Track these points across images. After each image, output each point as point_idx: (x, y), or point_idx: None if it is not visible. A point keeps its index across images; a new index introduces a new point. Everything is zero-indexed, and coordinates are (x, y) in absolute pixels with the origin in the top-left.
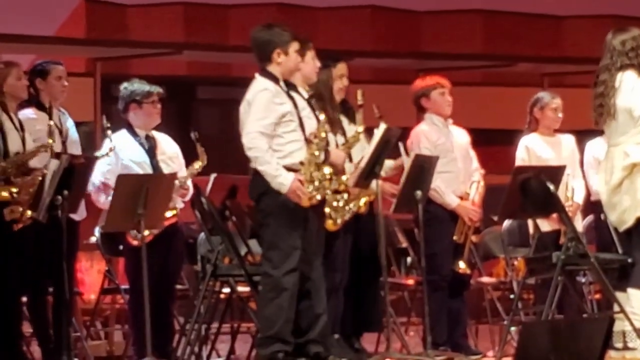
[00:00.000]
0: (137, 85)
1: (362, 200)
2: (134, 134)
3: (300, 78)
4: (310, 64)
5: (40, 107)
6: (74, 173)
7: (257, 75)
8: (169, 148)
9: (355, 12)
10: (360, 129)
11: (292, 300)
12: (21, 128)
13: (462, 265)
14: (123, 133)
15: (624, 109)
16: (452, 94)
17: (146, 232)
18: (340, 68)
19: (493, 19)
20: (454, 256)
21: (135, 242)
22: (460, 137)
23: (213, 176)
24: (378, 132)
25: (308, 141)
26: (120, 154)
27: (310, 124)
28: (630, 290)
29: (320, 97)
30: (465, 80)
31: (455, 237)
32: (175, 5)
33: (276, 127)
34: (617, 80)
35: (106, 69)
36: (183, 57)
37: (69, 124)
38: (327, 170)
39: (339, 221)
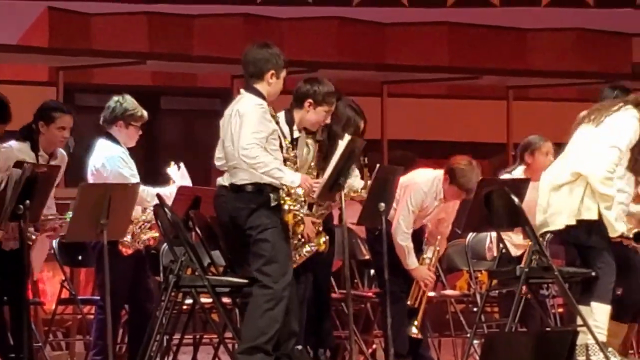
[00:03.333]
0: (130, 104)
1: (322, 239)
2: (120, 145)
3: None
4: (321, 115)
5: (33, 147)
6: (37, 182)
7: (243, 91)
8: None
9: (320, 24)
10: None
11: (283, 312)
12: None
13: (414, 330)
14: (112, 145)
15: (605, 126)
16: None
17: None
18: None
19: (458, 31)
20: (408, 319)
21: (129, 251)
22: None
23: (175, 187)
24: (342, 143)
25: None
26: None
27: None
28: (593, 304)
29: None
30: (430, 92)
31: (409, 302)
32: (140, 14)
33: (265, 141)
34: (620, 106)
35: (69, 78)
36: (147, 66)
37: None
38: (300, 191)
39: (296, 259)
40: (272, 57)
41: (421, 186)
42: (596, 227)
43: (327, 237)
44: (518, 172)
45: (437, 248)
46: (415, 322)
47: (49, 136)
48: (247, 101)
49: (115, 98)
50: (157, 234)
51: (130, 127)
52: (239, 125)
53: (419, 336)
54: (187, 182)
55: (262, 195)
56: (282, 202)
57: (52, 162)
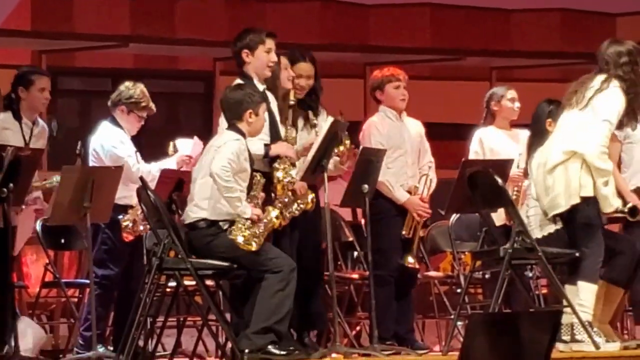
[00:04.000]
0: (139, 93)
1: (310, 197)
2: (123, 130)
3: (253, 72)
4: (262, 58)
5: (15, 115)
6: (20, 166)
7: (225, 129)
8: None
9: (303, 6)
10: (292, 129)
11: (293, 295)
12: None
13: (410, 260)
14: (113, 127)
15: (592, 108)
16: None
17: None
18: (300, 68)
19: (441, 12)
20: (402, 250)
21: (130, 237)
22: (414, 128)
23: (159, 170)
24: (325, 125)
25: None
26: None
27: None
28: (580, 283)
29: (270, 89)
30: (413, 74)
31: (403, 232)
32: None
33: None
34: (602, 82)
35: (52, 62)
36: (129, 49)
37: (42, 136)
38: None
39: (287, 216)
40: (246, 97)
41: (371, 120)
42: (593, 203)
43: (314, 195)
44: (490, 131)
45: (430, 177)
46: (410, 254)
47: (31, 100)
48: (225, 136)
49: (128, 83)
50: None
51: (132, 114)
52: (216, 154)
53: (416, 266)
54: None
55: (214, 226)
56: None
57: (35, 132)
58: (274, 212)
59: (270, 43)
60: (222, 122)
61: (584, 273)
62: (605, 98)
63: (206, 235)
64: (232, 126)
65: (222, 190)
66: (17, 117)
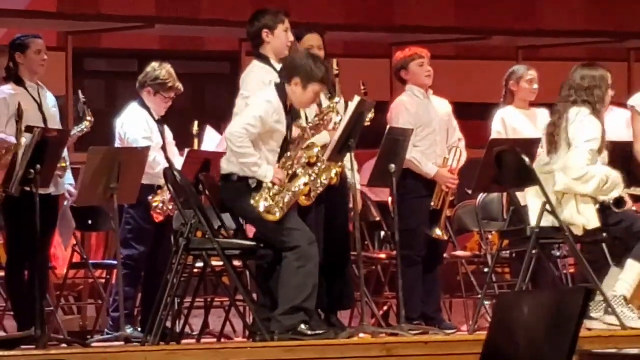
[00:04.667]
0: (165, 74)
1: (334, 172)
2: (150, 113)
3: (272, 52)
4: (282, 37)
5: (18, 82)
6: (47, 147)
7: (254, 61)
8: (169, 135)
9: None
10: (337, 100)
11: (316, 269)
12: None
13: (438, 232)
14: (139, 109)
15: (570, 140)
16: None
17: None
18: (309, 39)
19: None
20: (430, 223)
21: (161, 218)
22: (441, 108)
23: (186, 150)
24: (352, 105)
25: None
26: (143, 131)
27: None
28: (629, 261)
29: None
30: (438, 53)
31: (432, 204)
32: None
33: (260, 135)
34: (571, 113)
35: (78, 43)
36: (155, 30)
37: (49, 100)
38: (316, 150)
39: (312, 195)
40: (265, 21)
41: (400, 100)
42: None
43: (339, 170)
44: (511, 111)
45: (460, 149)
46: (439, 226)
47: (29, 64)
48: (253, 76)
49: (155, 64)
50: None
51: (159, 95)
52: (240, 110)
53: (444, 238)
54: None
55: (244, 182)
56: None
57: (42, 96)
58: (303, 179)
59: (287, 22)
60: (239, 101)
61: (635, 252)
62: (580, 126)
63: (235, 189)
64: (258, 57)
65: (235, 155)
66: (20, 83)
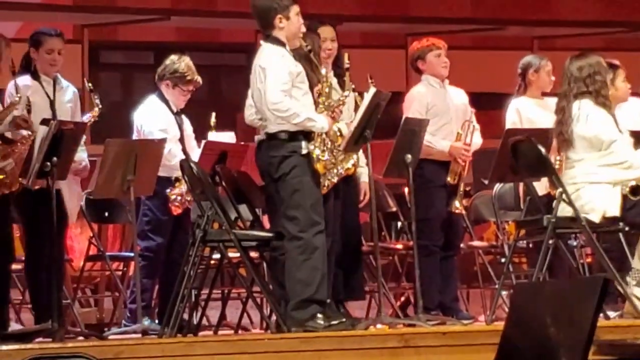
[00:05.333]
0: (184, 67)
1: (351, 162)
2: (168, 105)
3: (286, 38)
4: (296, 21)
5: (35, 75)
6: (63, 140)
7: (262, 42)
8: (188, 127)
9: None
10: (347, 93)
11: (324, 258)
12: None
13: (457, 204)
14: (156, 101)
15: (581, 137)
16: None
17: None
18: (322, 32)
19: None
20: (448, 197)
21: (179, 210)
22: (458, 97)
23: (203, 142)
24: (367, 96)
25: (316, 103)
26: (159, 123)
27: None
28: None
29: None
30: (454, 44)
31: (448, 179)
32: None
33: (292, 88)
34: (574, 109)
35: (94, 36)
36: (171, 22)
37: (66, 95)
38: (335, 127)
39: (326, 184)
40: (273, 3)
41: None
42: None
43: (356, 159)
44: (525, 101)
45: (473, 123)
46: (457, 199)
47: (41, 61)
48: (266, 52)
49: (174, 57)
50: None
51: (177, 88)
52: (263, 80)
53: (463, 212)
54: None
55: (294, 142)
56: (311, 150)
57: (58, 91)
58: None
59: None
60: (255, 77)
61: None
62: (583, 121)
63: (282, 147)
64: (268, 37)
65: (286, 119)
66: (36, 76)
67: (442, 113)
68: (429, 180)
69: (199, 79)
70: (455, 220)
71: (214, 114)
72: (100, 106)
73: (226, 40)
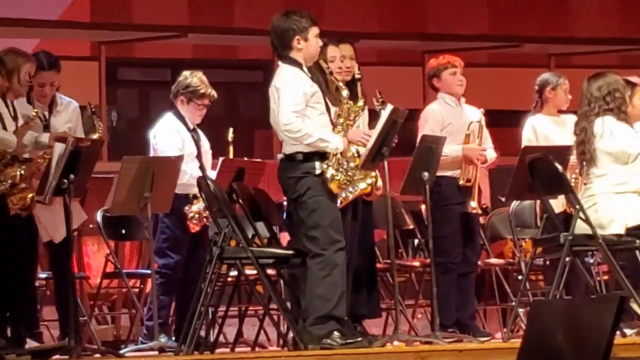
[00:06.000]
0: (196, 81)
1: (367, 181)
2: (184, 122)
3: (303, 59)
4: (314, 43)
5: (29, 100)
6: (80, 157)
7: (280, 63)
8: (205, 143)
9: None
10: (361, 103)
11: (343, 275)
12: (15, 116)
13: (473, 204)
14: (172, 119)
15: (605, 152)
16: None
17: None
18: (342, 49)
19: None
20: (463, 198)
21: (197, 228)
22: (473, 116)
23: (221, 159)
24: (385, 113)
25: (334, 124)
26: (175, 141)
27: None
28: None
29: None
30: (470, 61)
31: (461, 182)
32: None
33: (306, 108)
34: (596, 125)
35: (111, 53)
36: (188, 40)
37: (62, 117)
38: (353, 149)
39: (341, 201)
40: (292, 24)
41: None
42: None
43: (374, 179)
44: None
45: (481, 123)
46: (472, 198)
47: (36, 90)
48: (282, 73)
49: (186, 72)
50: None
51: (192, 103)
52: (277, 100)
53: (479, 211)
54: None
55: (309, 162)
56: (324, 170)
57: (54, 115)
58: (368, 179)
59: (317, 28)
60: (272, 96)
61: None
62: (606, 137)
63: (297, 169)
64: (285, 58)
65: (298, 140)
66: (31, 101)
67: (458, 131)
68: (447, 198)
69: (213, 92)
70: (473, 238)
71: (231, 130)
72: (101, 132)
73: (243, 57)
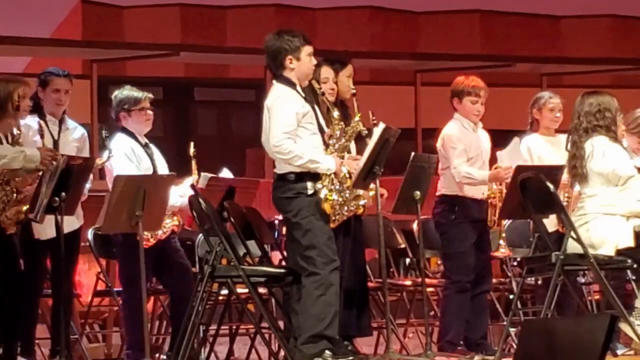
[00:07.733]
0: (126, 93)
1: (362, 202)
2: (135, 139)
3: (297, 78)
4: (307, 62)
5: (41, 115)
6: (72, 175)
7: (274, 82)
8: (159, 158)
9: (353, 13)
10: (357, 118)
11: (337, 295)
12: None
13: (503, 250)
14: (124, 138)
15: (598, 173)
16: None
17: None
18: (324, 72)
19: (491, 19)
20: (479, 235)
21: (149, 243)
22: (486, 142)
23: (209, 176)
24: (377, 132)
25: (326, 145)
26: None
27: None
28: None
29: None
30: None
31: (483, 194)
32: (172, 6)
33: (297, 128)
34: (587, 146)
35: (103, 71)
36: (180, 58)
37: (71, 135)
38: (345, 169)
39: (336, 218)
40: (284, 43)
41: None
42: None
43: (366, 202)
44: (536, 139)
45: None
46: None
47: (47, 100)
48: (274, 92)
49: (115, 92)
50: (177, 222)
51: (133, 113)
52: (267, 120)
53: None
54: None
55: (301, 183)
56: (318, 190)
57: (63, 131)
58: (363, 200)
59: (310, 47)
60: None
61: None
62: (598, 158)
63: (289, 189)
64: (279, 77)
65: (289, 162)
66: (42, 115)
67: (476, 156)
68: (463, 216)
69: (147, 94)
70: (487, 257)
71: (192, 144)
72: (112, 154)
73: (235, 76)
